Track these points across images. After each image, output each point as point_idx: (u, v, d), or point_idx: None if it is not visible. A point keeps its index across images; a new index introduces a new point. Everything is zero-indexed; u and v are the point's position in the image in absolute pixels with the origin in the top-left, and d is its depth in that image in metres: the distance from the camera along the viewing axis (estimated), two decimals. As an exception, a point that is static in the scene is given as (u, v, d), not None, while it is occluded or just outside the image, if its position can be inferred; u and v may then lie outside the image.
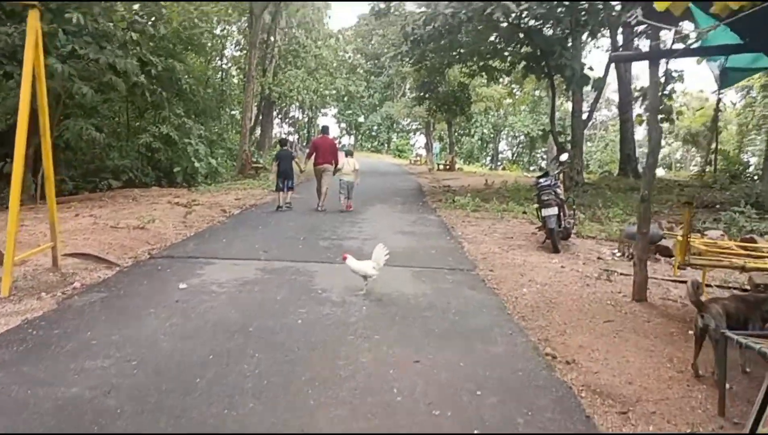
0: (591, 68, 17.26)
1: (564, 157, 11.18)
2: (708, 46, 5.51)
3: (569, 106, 44.22)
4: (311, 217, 12.05)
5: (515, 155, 67.88)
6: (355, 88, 52.71)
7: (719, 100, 21.29)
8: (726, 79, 6.01)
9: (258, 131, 38.80)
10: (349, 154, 13.56)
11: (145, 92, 14.05)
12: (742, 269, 5.66)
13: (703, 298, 4.27)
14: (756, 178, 20.03)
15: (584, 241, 10.11)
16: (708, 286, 6.91)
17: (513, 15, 15.99)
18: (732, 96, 47.20)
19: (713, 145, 36.56)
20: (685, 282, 7.37)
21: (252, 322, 5.03)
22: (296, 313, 5.33)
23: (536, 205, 9.74)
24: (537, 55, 17.51)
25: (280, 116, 64.36)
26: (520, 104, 54.36)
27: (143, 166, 19.01)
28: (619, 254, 8.94)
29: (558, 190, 9.56)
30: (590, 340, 4.90)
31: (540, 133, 54.47)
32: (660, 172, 30.18)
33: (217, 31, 31.32)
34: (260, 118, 34.44)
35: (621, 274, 7.48)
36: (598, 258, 8.62)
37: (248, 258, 7.63)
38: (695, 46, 6.82)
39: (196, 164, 18.05)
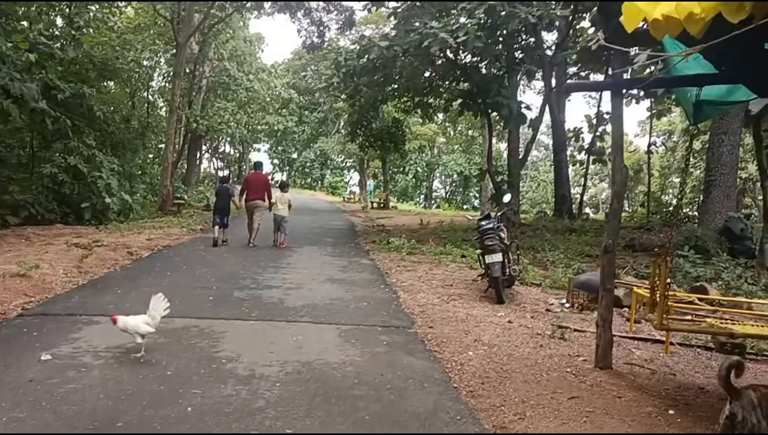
0: (528, 107, 16.94)
1: (507, 198, 10.48)
2: (680, 76, 4.84)
3: (502, 145, 44.80)
4: (232, 260, 10.81)
5: (449, 194, 68.28)
6: (285, 124, 51.69)
7: (651, 142, 21.52)
8: (701, 113, 5.33)
9: (183, 166, 37.07)
10: (283, 187, 13.77)
11: (45, 120, 12.50)
12: (731, 336, 4.89)
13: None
14: (688, 220, 20.18)
15: (528, 289, 9.33)
16: (671, 343, 6.17)
17: (449, 50, 15.51)
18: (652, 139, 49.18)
19: (640, 188, 37.51)
20: (647, 340, 6.65)
21: (124, 413, 3.80)
22: (187, 396, 4.14)
23: (478, 251, 8.91)
24: (473, 92, 17.07)
25: (210, 151, 62.60)
26: (453, 143, 54.90)
27: (47, 201, 17.14)
28: (568, 305, 8.17)
29: (502, 234, 8.77)
30: (557, 427, 3.95)
31: (476, 172, 54.89)
32: (588, 213, 30.50)
33: (145, 62, 29.80)
34: (185, 152, 32.79)
35: (575, 330, 6.66)
36: (547, 310, 7.81)
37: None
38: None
39: (107, 200, 16.39)
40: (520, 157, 19.21)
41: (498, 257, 8.10)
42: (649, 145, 21.94)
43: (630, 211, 42.80)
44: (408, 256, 12.20)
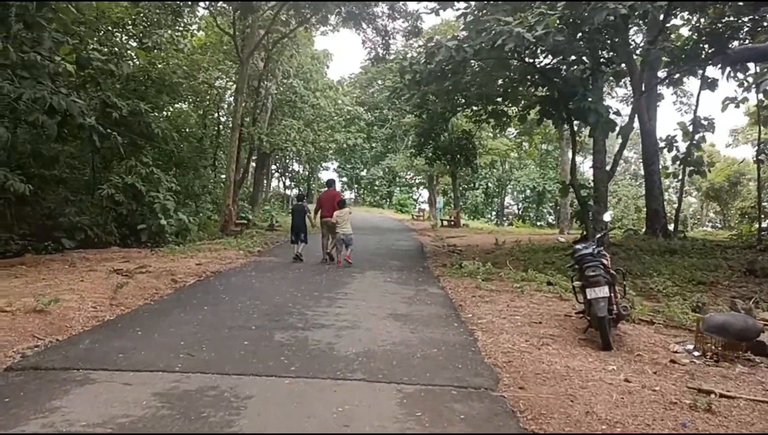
0: (618, 113, 15.01)
1: (608, 216, 8.71)
2: None
3: (578, 158, 42.16)
4: (283, 288, 9.53)
5: (521, 210, 65.69)
6: (354, 141, 50.92)
7: (760, 150, 18.94)
8: None
9: (250, 184, 36.74)
10: (340, 205, 13.50)
11: (93, 136, 11.76)
12: None
13: None
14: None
15: (638, 329, 7.50)
16: None
17: (526, 50, 13.86)
18: (745, 150, 45.23)
19: (737, 203, 34.17)
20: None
21: None
22: None
23: (576, 283, 7.22)
24: (554, 98, 15.28)
25: (279, 170, 62.86)
26: (527, 157, 52.56)
27: (106, 222, 16.59)
28: (697, 353, 6.34)
29: (604, 261, 7.05)
30: None
31: (550, 187, 52.38)
32: (683, 230, 27.61)
33: (216, 82, 29.59)
34: (250, 170, 32.35)
35: (722, 395, 4.88)
36: (672, 362, 6.01)
37: (155, 369, 5.05)
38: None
39: (162, 221, 15.62)
40: (608, 168, 17.18)
41: (604, 292, 6.39)
42: (759, 148, 19.24)
43: (730, 228, 39.23)
44: (484, 284, 10.55)
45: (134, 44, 19.97)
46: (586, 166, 50.48)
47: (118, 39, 16.44)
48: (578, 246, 7.45)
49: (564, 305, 8.86)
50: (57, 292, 8.15)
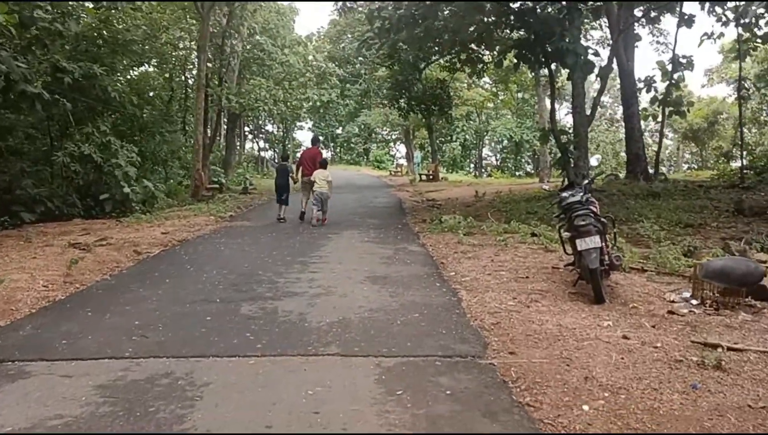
0: (596, 53, 14.42)
1: (594, 160, 8.15)
2: None
3: (556, 104, 41.58)
4: (254, 254, 8.96)
5: (500, 161, 65.30)
6: (328, 98, 49.58)
7: (741, 86, 18.51)
8: None
9: (222, 147, 35.69)
10: (323, 165, 13.23)
11: (36, 104, 10.85)
12: None
13: None
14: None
15: (630, 278, 7.09)
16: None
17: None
18: (720, 89, 44.97)
19: (715, 143, 34.01)
20: None
21: None
22: None
23: (565, 233, 6.75)
24: (531, 40, 14.59)
25: (253, 131, 61.47)
26: (503, 107, 51.87)
27: (67, 194, 15.76)
28: (695, 302, 5.93)
29: (593, 209, 6.58)
30: None
31: (527, 136, 51.87)
32: (663, 173, 27.34)
33: (181, 44, 28.17)
34: (220, 132, 31.29)
35: (730, 349, 4.47)
36: (669, 312, 5.60)
37: (101, 356, 4.48)
38: None
39: (126, 190, 14.82)
40: (587, 113, 16.69)
41: (595, 242, 5.91)
42: (740, 85, 18.81)
43: (708, 168, 39.21)
44: (466, 238, 10.06)
45: (88, 4, 18.74)
46: (562, 113, 49.96)
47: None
48: (564, 194, 6.96)
49: (551, 257, 8.44)
50: (5, 271, 7.49)
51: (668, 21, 47.65)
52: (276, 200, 14.18)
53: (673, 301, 6.06)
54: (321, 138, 62.90)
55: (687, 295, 6.21)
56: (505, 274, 7.43)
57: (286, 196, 13.77)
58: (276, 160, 46.78)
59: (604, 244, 6.14)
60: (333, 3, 21.35)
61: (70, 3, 15.72)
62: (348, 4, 21.64)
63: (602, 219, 6.23)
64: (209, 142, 26.29)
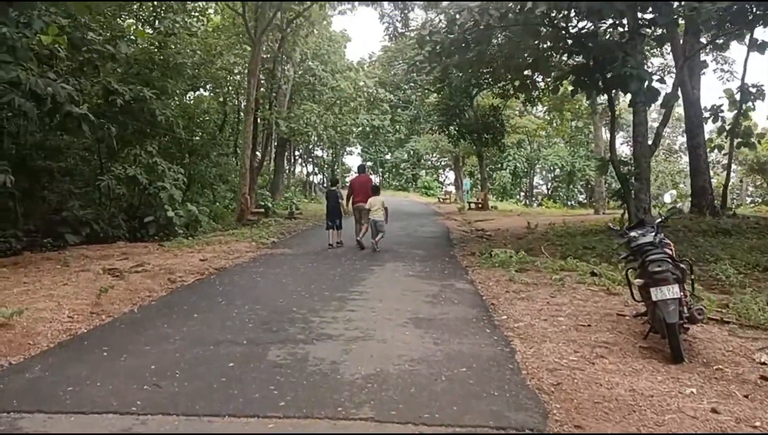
0: (661, 79, 13.55)
1: (669, 196, 7.31)
2: None
3: (608, 135, 40.33)
4: (290, 287, 8.44)
5: (551, 190, 63.82)
6: (379, 123, 49.48)
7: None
8: None
9: (272, 171, 35.81)
10: (374, 191, 13.48)
11: (83, 125, 10.75)
12: None
13: None
14: None
15: (709, 330, 6.22)
16: None
17: (558, 14, 12.48)
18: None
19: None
20: None
21: None
22: None
23: (629, 274, 6.00)
24: (589, 66, 13.83)
25: (303, 156, 61.94)
26: (556, 135, 50.75)
27: (113, 216, 15.73)
28: (796, 367, 5.05)
29: (669, 251, 5.80)
30: None
31: (581, 164, 50.48)
32: (731, 207, 25.75)
33: (236, 69, 28.51)
34: (269, 156, 31.35)
35: None
36: (762, 377, 4.75)
37: (105, 409, 3.97)
38: None
39: (169, 213, 14.66)
40: (650, 142, 15.71)
41: (674, 292, 5.13)
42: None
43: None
44: (518, 276, 9.30)
45: (147, 29, 19.03)
46: (618, 142, 48.40)
47: (119, 21, 15.31)
48: (634, 233, 6.19)
49: (614, 301, 7.61)
50: (32, 299, 7.19)
51: (734, 49, 45.76)
52: (326, 226, 14.17)
53: (764, 363, 5.19)
54: (369, 163, 63.17)
55: (782, 356, 5.33)
56: (564, 320, 6.67)
57: (339, 222, 13.85)
58: (325, 185, 46.98)
59: (682, 293, 5.34)
60: (383, 28, 20.89)
61: (125, 25, 15.86)
62: (399, 29, 21.26)
63: (680, 264, 5.43)
64: (258, 166, 26.31)
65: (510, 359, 5.26)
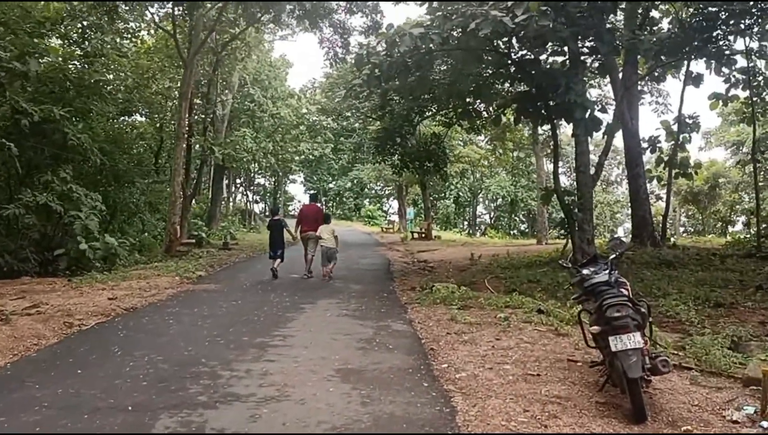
0: (604, 109, 13.34)
1: (621, 232, 6.70)
2: None
3: (549, 166, 40.80)
4: (205, 330, 7.41)
5: (493, 219, 64.44)
6: (321, 152, 48.69)
7: (756, 147, 17.45)
8: None
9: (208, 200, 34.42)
10: (327, 220, 13.58)
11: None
12: None
13: None
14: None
15: (666, 378, 5.59)
16: None
17: (502, 39, 12.09)
18: (718, 153, 44.36)
19: (717, 206, 32.86)
20: None
21: None
22: None
23: (581, 316, 5.38)
24: (533, 93, 13.50)
25: (244, 184, 60.35)
26: (498, 165, 51.23)
27: (20, 248, 14.23)
28: (767, 424, 4.44)
29: (625, 291, 5.18)
30: None
31: (523, 194, 51.10)
32: (670, 238, 26.03)
33: (175, 93, 27.21)
34: (200, 183, 30.04)
35: None
36: (739, 441, 4.11)
37: None
38: None
39: (82, 246, 13.30)
40: (592, 172, 15.50)
41: (635, 341, 4.46)
42: (755, 148, 17.67)
43: (703, 233, 38.07)
44: (460, 314, 8.56)
45: (76, 50, 17.73)
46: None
47: (33, 39, 13.98)
48: (586, 271, 5.56)
49: (563, 344, 6.95)
50: None
51: (668, 82, 47.56)
52: (269, 256, 13.95)
53: (736, 422, 4.57)
54: (312, 192, 62.24)
55: (751, 410, 4.73)
56: (511, 368, 5.93)
57: (281, 252, 13.69)
58: (266, 215, 45.66)
59: (643, 341, 4.69)
60: (323, 53, 20.26)
61: (43, 43, 14.57)
62: (340, 54, 20.65)
63: (640, 308, 4.78)
64: (191, 194, 24.97)
65: (449, 421, 4.45)
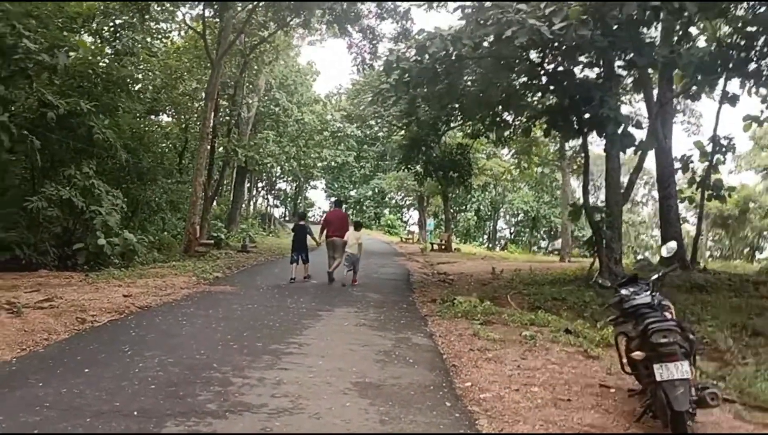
0: (638, 125, 12.92)
1: (671, 247, 6.23)
2: None
3: (574, 183, 40.23)
4: (219, 334, 7.14)
5: (514, 234, 63.75)
6: (344, 159, 48.56)
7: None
8: None
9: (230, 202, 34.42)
10: (357, 227, 13.85)
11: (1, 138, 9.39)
12: None
13: None
14: None
15: (708, 411, 5.18)
16: None
17: (537, 48, 11.77)
18: (748, 177, 43.33)
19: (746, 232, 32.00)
20: None
21: None
22: None
23: (618, 337, 5.03)
24: (565, 106, 13.12)
25: (265, 187, 60.53)
26: (521, 180, 50.75)
27: (40, 241, 14.16)
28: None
29: (668, 314, 4.81)
30: None
31: (545, 211, 50.49)
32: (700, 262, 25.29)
33: (202, 94, 27.32)
34: (222, 185, 30.03)
35: None
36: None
37: None
38: None
39: (101, 241, 13.18)
40: (622, 190, 15.08)
41: (683, 370, 4.08)
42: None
43: (730, 258, 37.12)
44: (483, 329, 8.19)
45: (107, 49, 17.81)
46: (580, 191, 48.51)
47: (58, 33, 13.98)
48: (625, 290, 5.19)
49: (594, 367, 6.56)
50: None
51: (701, 103, 46.75)
52: (290, 261, 13.72)
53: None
54: (333, 199, 62.21)
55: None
56: (539, 391, 5.57)
57: (305, 255, 13.63)
58: (287, 219, 45.60)
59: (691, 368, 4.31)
60: (352, 58, 20.04)
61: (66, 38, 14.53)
62: (368, 60, 20.45)
63: (689, 334, 4.39)
64: (212, 195, 24.89)
65: (475, 449, 4.11)
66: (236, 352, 6.34)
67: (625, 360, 5.04)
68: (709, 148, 18.54)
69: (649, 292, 5.04)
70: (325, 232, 13.57)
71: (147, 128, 23.62)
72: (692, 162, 18.68)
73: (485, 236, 61.90)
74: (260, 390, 5.04)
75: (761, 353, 6.99)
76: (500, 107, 14.89)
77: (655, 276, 5.30)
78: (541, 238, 61.11)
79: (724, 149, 18.55)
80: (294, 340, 7.10)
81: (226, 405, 4.61)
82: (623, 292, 5.18)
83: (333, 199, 13.41)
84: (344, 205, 14.68)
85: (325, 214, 15.07)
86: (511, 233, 65.32)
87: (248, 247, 22.83)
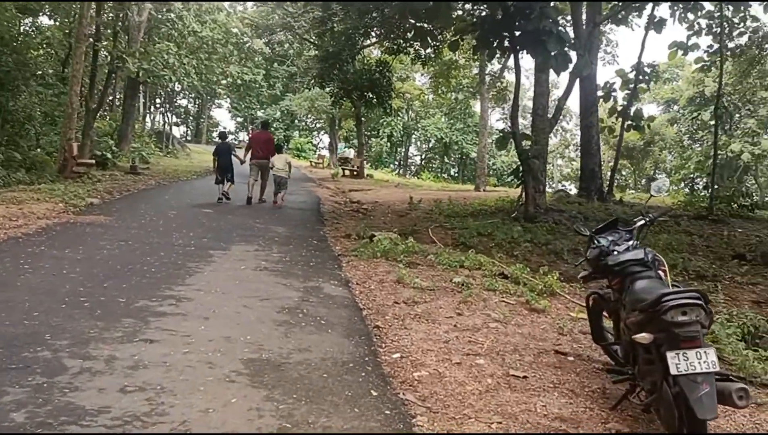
0: (573, 46, 11.77)
1: (656, 188, 5.00)
2: None
3: (494, 116, 39.54)
4: (67, 281, 5.42)
5: (424, 161, 63.41)
6: (251, 77, 45.05)
7: (719, 103, 16.50)
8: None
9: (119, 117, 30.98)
10: (279, 149, 14.20)
11: None
12: None
13: None
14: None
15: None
16: None
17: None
18: (651, 109, 44.42)
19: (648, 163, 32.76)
20: None
21: None
22: None
23: (591, 296, 3.94)
24: (498, 19, 11.70)
25: (164, 104, 55.90)
26: (436, 106, 49.73)
27: None
28: None
29: (662, 274, 3.68)
30: None
31: (458, 138, 50.01)
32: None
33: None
34: (107, 96, 26.94)
35: None
36: None
37: None
38: None
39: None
40: (550, 115, 14.12)
41: (709, 359, 2.90)
42: (718, 103, 16.63)
43: (636, 189, 38.29)
44: (408, 273, 6.91)
45: None
46: (494, 118, 48.24)
47: None
48: (603, 241, 4.01)
49: (542, 324, 5.49)
50: None
51: (620, 31, 47.03)
52: (215, 181, 13.82)
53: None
54: (239, 119, 58.80)
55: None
56: (486, 363, 4.38)
57: (231, 175, 13.66)
58: (191, 139, 42.40)
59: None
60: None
61: None
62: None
63: (707, 305, 3.21)
64: (96, 108, 21.88)
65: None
66: (86, 313, 4.67)
67: (608, 331, 3.94)
68: (631, 76, 17.91)
69: (629, 241, 3.90)
70: (250, 152, 13.67)
71: (21, 32, 20.24)
72: (615, 90, 18.04)
73: (396, 162, 61.05)
74: (105, 380, 3.48)
75: (711, 303, 6.15)
76: (426, 19, 13.22)
77: (641, 222, 4.13)
78: (451, 165, 61.07)
79: (647, 77, 18.03)
80: (171, 293, 5.50)
81: (41, 413, 3.02)
82: (602, 241, 4.00)
83: (261, 120, 12.24)
84: (270, 127, 14.22)
85: (250, 136, 14.90)
86: (422, 160, 64.85)
87: (138, 169, 20.44)
